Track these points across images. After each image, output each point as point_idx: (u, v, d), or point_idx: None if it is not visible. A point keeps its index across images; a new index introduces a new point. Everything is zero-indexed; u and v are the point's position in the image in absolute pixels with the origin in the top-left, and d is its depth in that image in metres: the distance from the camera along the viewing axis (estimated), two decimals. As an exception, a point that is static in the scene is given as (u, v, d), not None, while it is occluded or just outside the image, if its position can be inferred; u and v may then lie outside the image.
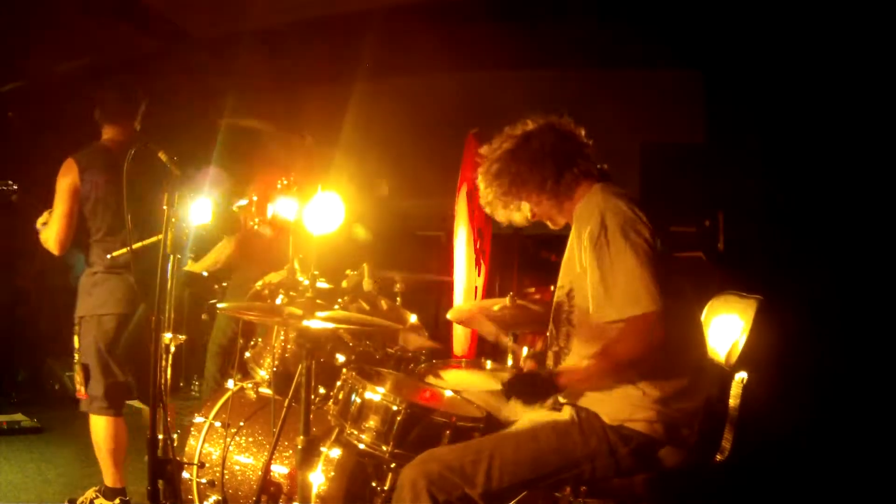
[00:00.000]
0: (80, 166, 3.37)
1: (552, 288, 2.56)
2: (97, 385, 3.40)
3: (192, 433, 3.00)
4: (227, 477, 2.87)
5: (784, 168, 4.52)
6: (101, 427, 3.39)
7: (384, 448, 2.42)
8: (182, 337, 2.59)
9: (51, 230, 3.38)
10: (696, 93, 5.42)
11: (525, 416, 2.42)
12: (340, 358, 3.06)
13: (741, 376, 2.45)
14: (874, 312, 4.09)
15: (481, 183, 2.49)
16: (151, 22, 5.48)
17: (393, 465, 2.46)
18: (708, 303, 2.72)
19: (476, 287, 4.21)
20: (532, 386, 2.28)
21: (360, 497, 2.62)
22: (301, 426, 2.26)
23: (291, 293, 2.99)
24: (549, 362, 2.46)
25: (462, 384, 2.74)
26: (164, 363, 2.49)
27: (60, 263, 4.32)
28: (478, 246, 4.24)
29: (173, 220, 2.47)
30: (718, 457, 2.43)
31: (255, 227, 3.50)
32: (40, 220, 3.46)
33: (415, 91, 6.07)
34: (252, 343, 3.25)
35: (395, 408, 2.43)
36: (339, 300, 3.15)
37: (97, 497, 3.39)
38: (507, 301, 2.81)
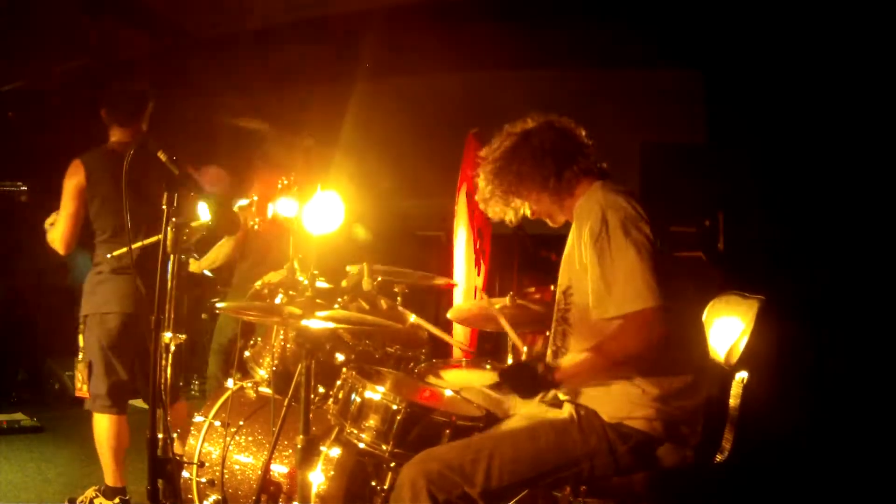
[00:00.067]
0: (86, 168, 3.41)
1: (552, 287, 2.56)
2: (100, 383, 3.41)
3: (192, 432, 3.00)
4: (226, 476, 2.87)
5: (784, 168, 4.52)
6: (103, 425, 3.40)
7: (384, 447, 2.42)
8: (182, 336, 2.59)
9: (57, 230, 3.43)
10: (696, 93, 5.41)
11: (523, 410, 2.42)
12: (340, 357, 3.06)
13: (741, 376, 2.45)
14: (874, 312, 4.09)
15: (481, 180, 2.49)
16: (151, 22, 5.48)
17: (393, 465, 2.45)
18: (709, 303, 2.72)
19: (476, 287, 4.21)
20: (530, 379, 2.27)
21: (359, 496, 2.62)
22: (301, 425, 2.27)
23: (291, 293, 2.99)
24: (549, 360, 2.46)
25: (462, 384, 2.75)
26: (164, 363, 2.49)
27: (60, 264, 4.32)
28: (478, 246, 4.24)
29: (174, 219, 2.47)
30: (718, 457, 2.42)
31: (255, 227, 3.49)
32: (48, 221, 3.51)
33: (415, 91, 6.06)
34: (252, 342, 3.25)
35: (394, 407, 2.43)
36: (339, 300, 3.15)
37: (97, 496, 3.40)
38: (507, 301, 2.81)
